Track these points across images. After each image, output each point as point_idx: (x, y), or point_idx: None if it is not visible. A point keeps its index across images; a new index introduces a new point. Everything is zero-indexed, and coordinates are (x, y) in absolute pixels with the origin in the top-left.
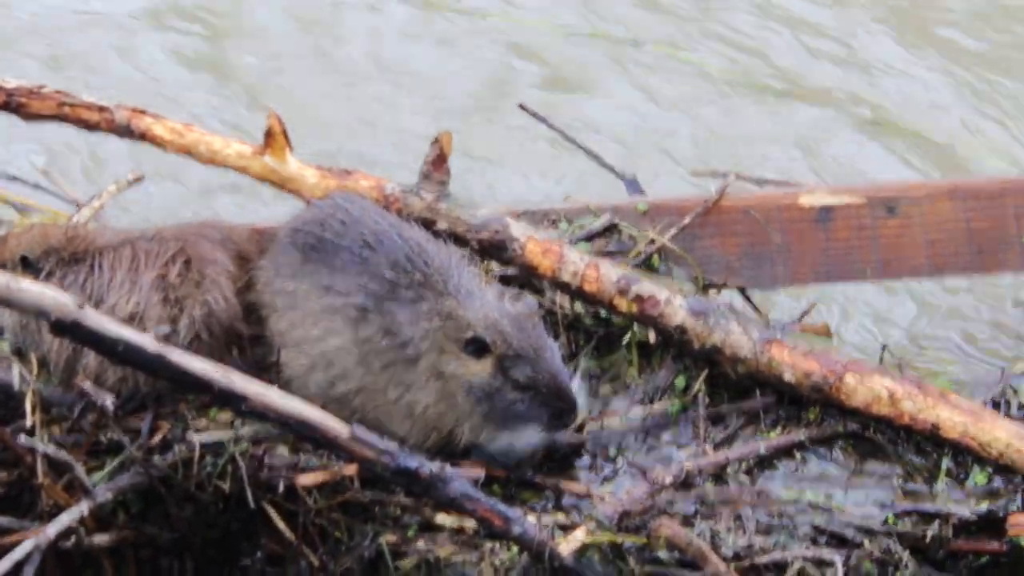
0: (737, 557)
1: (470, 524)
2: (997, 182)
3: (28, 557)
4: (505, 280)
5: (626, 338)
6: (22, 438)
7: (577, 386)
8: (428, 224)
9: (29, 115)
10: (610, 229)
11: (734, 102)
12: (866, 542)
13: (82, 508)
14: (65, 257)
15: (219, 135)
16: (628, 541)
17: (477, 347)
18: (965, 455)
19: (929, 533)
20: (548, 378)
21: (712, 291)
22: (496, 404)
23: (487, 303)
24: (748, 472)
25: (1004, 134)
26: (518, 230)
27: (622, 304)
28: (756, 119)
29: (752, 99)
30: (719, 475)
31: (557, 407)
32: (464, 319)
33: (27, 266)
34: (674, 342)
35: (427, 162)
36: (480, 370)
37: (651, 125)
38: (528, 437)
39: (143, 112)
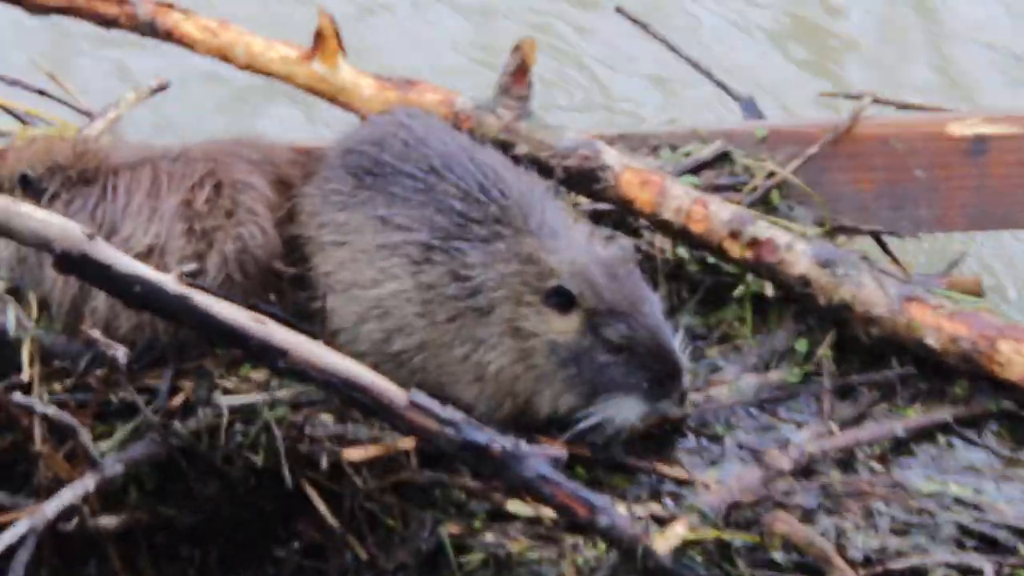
0: (867, 561)
1: (548, 513)
2: None
3: (22, 541)
4: (595, 217)
5: (738, 290)
6: (17, 396)
7: (682, 347)
8: (505, 147)
9: (35, 7)
10: (721, 158)
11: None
12: (1021, 547)
13: (87, 483)
14: (73, 177)
15: (260, 36)
16: (737, 538)
17: (562, 299)
18: None
19: None
20: (647, 337)
21: (842, 236)
22: (584, 368)
23: (574, 245)
24: (881, 458)
25: None
26: (612, 157)
27: (734, 249)
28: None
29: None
30: (847, 461)
31: (658, 372)
32: (547, 264)
33: (28, 186)
34: (795, 296)
35: (506, 73)
36: (565, 327)
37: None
38: (623, 408)
39: (170, 6)
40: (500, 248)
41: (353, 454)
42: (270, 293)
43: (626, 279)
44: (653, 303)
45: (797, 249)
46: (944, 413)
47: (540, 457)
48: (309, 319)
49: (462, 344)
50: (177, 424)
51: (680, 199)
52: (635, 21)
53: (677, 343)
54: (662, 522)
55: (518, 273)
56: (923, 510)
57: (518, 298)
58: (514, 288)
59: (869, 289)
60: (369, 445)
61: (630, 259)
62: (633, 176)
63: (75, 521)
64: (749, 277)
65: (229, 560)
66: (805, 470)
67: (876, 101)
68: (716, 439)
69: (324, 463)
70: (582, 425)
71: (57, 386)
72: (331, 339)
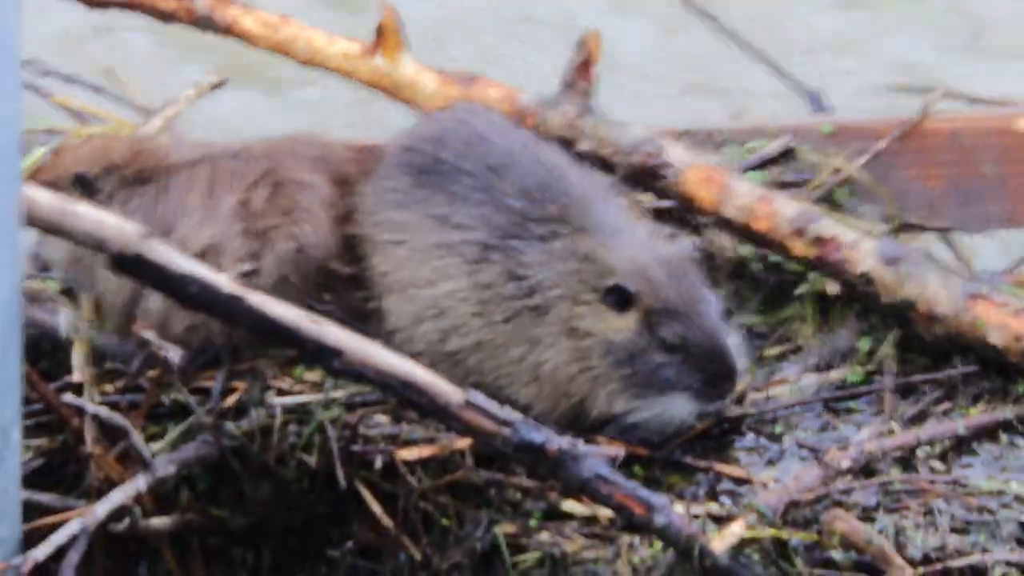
0: (927, 560)
1: (605, 513)
2: None
3: (73, 541)
4: (657, 215)
5: (801, 289)
6: (68, 396)
7: (738, 348)
8: (568, 144)
9: (94, 2)
10: (787, 154)
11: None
12: None
13: (138, 484)
14: (129, 176)
15: (321, 30)
16: (795, 537)
17: (620, 298)
18: None
19: None
20: (703, 338)
21: (909, 233)
22: (640, 368)
23: (635, 244)
24: (942, 457)
25: None
26: (676, 154)
27: (798, 247)
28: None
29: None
30: (907, 460)
31: (712, 373)
32: (605, 263)
33: (83, 186)
34: (858, 294)
35: (570, 68)
36: (622, 326)
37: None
38: (677, 408)
39: (229, 1)
40: (558, 247)
41: (408, 454)
42: (326, 293)
43: (685, 278)
44: (711, 303)
45: (863, 247)
46: (1007, 412)
47: (597, 457)
48: (365, 319)
49: (518, 344)
50: (230, 425)
51: (744, 196)
52: (706, 14)
53: (733, 344)
54: (719, 521)
55: (575, 272)
56: (983, 508)
57: (575, 297)
58: (571, 287)
59: (933, 287)
60: (424, 445)
61: (691, 258)
62: (696, 173)
63: (126, 522)
64: (812, 275)
65: (282, 562)
66: (865, 469)
67: (946, 95)
68: (775, 438)
69: (378, 463)
70: (632, 421)
71: (109, 387)
72: (387, 339)
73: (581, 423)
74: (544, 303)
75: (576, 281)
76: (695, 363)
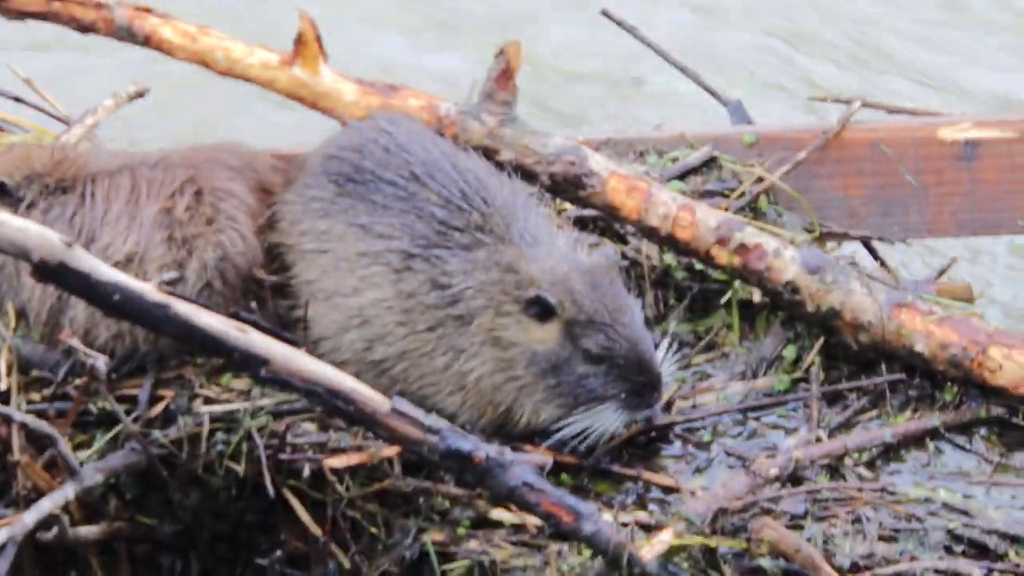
0: (855, 568)
1: (533, 521)
2: None
3: (0, 550)
4: (581, 224)
5: (725, 297)
6: None
7: (663, 356)
8: (490, 153)
9: (11, 11)
10: (709, 164)
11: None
12: (1011, 553)
13: (66, 492)
14: (50, 185)
15: (240, 41)
16: (724, 545)
17: (541, 309)
18: None
19: None
20: (626, 348)
21: (831, 242)
22: (564, 378)
23: (556, 253)
24: (870, 464)
25: None
26: (598, 163)
27: (722, 255)
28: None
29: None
30: (835, 467)
31: (637, 382)
32: (527, 273)
33: (4, 194)
34: (783, 303)
35: (490, 78)
36: (545, 336)
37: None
38: (604, 419)
39: (148, 11)
40: (480, 256)
41: (336, 462)
42: (251, 301)
43: (607, 288)
44: (634, 313)
45: (785, 255)
46: (933, 419)
47: (525, 464)
48: (290, 327)
49: (443, 353)
50: (157, 433)
51: (667, 205)
52: (621, 24)
53: (657, 354)
54: (648, 529)
55: (498, 282)
56: (912, 516)
57: (498, 307)
58: (494, 297)
59: (858, 295)
60: (352, 453)
61: (613, 267)
62: (619, 182)
63: (54, 531)
64: (737, 284)
65: (210, 570)
66: (792, 477)
67: (866, 105)
68: (703, 446)
69: (306, 471)
70: (561, 434)
71: (36, 395)
72: (313, 347)
73: (508, 431)
74: (467, 312)
75: (498, 291)
76: (620, 373)
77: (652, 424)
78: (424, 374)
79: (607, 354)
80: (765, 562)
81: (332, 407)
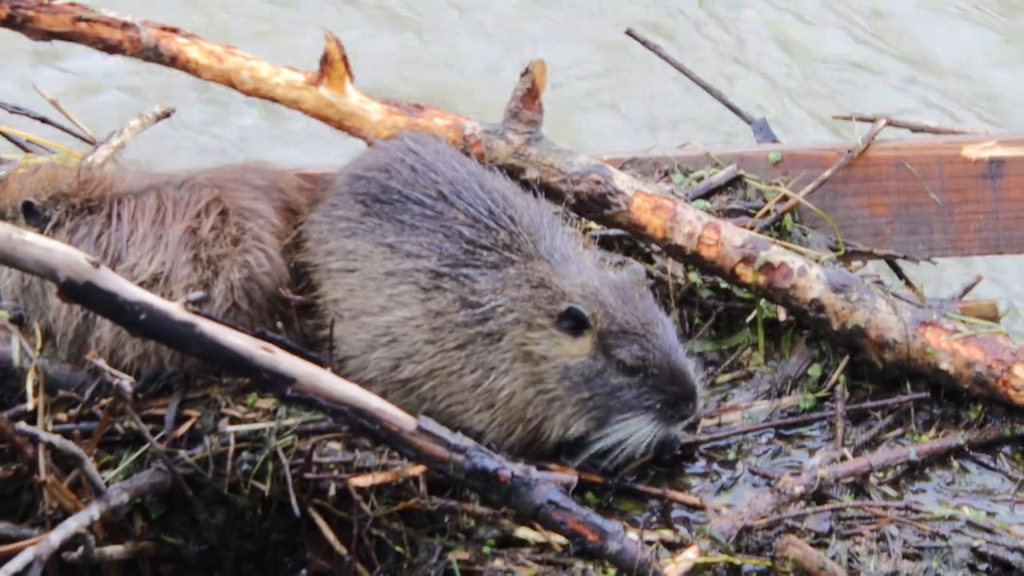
0: None
1: (558, 540)
2: None
3: (26, 570)
4: (606, 243)
5: (751, 316)
6: (21, 425)
7: (695, 369)
8: (515, 172)
9: (37, 32)
10: (734, 183)
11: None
12: None
13: (92, 512)
14: (77, 205)
15: (266, 61)
16: (748, 563)
17: (574, 321)
18: None
19: None
20: (661, 358)
21: (856, 260)
22: (597, 391)
23: (585, 270)
24: (894, 483)
25: None
26: (623, 182)
27: (747, 274)
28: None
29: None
30: (859, 486)
31: (673, 393)
32: (558, 288)
33: (31, 214)
34: (809, 321)
35: (515, 97)
36: (577, 350)
37: (783, 61)
38: (637, 432)
39: (175, 31)
40: (510, 274)
41: (361, 481)
42: (277, 321)
43: (638, 301)
44: (666, 325)
45: (810, 274)
46: (958, 438)
47: (550, 483)
48: (317, 347)
49: (472, 371)
50: (183, 453)
51: (692, 223)
52: (645, 43)
53: (689, 363)
54: (673, 547)
55: (529, 298)
56: (936, 534)
57: (529, 322)
58: (525, 312)
59: (883, 314)
60: (377, 472)
61: (642, 283)
62: (645, 201)
63: (80, 550)
64: (762, 302)
65: None
66: (817, 495)
67: (890, 124)
68: (728, 464)
69: (332, 491)
70: (597, 447)
71: (62, 415)
72: (339, 367)
73: (537, 448)
74: (498, 329)
75: (530, 307)
76: (655, 384)
77: (678, 442)
78: (453, 392)
79: (641, 365)
80: None
81: (358, 426)
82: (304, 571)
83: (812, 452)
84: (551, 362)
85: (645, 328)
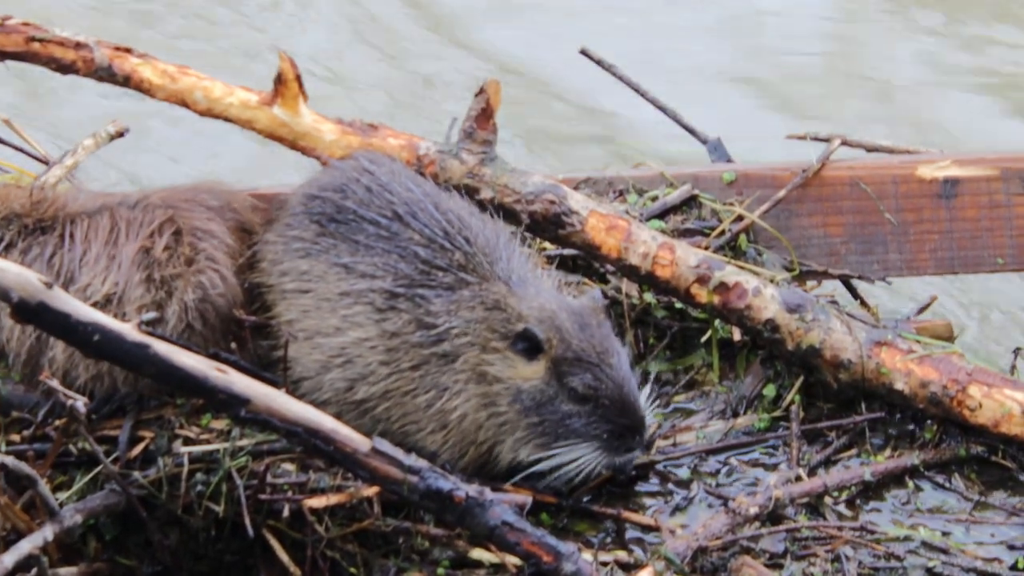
0: None
1: (513, 561)
2: None
3: None
4: (561, 263)
5: (705, 336)
6: None
7: (645, 396)
8: (470, 192)
9: None
10: (689, 202)
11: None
12: None
13: (46, 533)
14: (30, 225)
15: (219, 81)
16: None
17: (529, 344)
18: None
19: None
20: (612, 389)
21: (811, 280)
22: (547, 417)
23: (543, 292)
24: (850, 503)
25: None
26: (578, 201)
27: (701, 294)
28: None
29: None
30: (815, 506)
31: (621, 425)
32: (515, 310)
33: None
34: (764, 341)
35: (470, 117)
36: (531, 373)
37: (739, 79)
38: (580, 459)
39: (128, 51)
40: (465, 295)
41: (315, 502)
42: (231, 342)
43: (595, 329)
44: (621, 355)
45: (765, 294)
46: (913, 457)
47: (505, 504)
48: (271, 368)
49: (426, 391)
50: (137, 474)
51: (647, 243)
52: (600, 63)
53: (643, 397)
54: (627, 568)
55: (484, 319)
56: (891, 554)
57: (484, 344)
58: (480, 334)
59: (838, 334)
60: (331, 493)
61: (600, 309)
62: (599, 221)
63: (34, 572)
64: (717, 323)
65: None
66: (772, 515)
67: (845, 143)
68: (683, 485)
69: (286, 512)
70: (539, 467)
71: (15, 436)
72: (294, 388)
73: (491, 470)
74: (453, 350)
75: (485, 328)
76: (604, 414)
77: (632, 464)
78: (407, 413)
79: (592, 394)
80: None
81: (312, 447)
82: None
83: (767, 472)
84: (503, 384)
85: (600, 358)
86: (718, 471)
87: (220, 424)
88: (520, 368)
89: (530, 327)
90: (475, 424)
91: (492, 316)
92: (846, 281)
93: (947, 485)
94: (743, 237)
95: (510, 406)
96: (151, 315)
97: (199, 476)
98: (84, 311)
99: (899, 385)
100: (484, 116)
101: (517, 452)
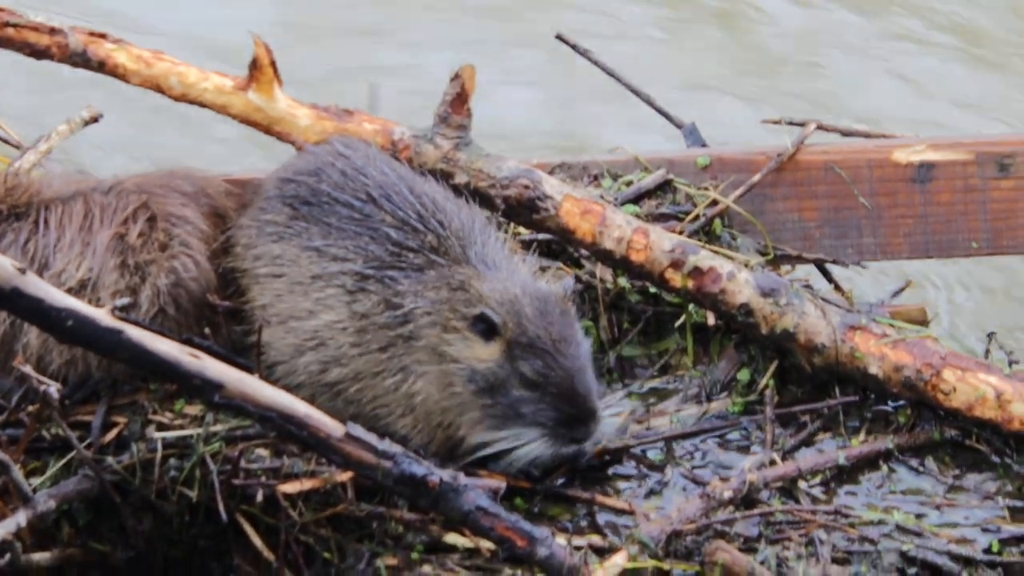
0: None
1: (487, 545)
2: None
3: None
4: (536, 247)
5: (679, 320)
6: None
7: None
8: (444, 177)
9: None
10: (664, 187)
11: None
12: (964, 574)
13: (19, 519)
14: (3, 211)
15: (194, 66)
16: (678, 568)
17: (485, 326)
18: None
19: None
20: (562, 377)
21: (785, 265)
22: (498, 399)
23: (512, 278)
24: (824, 486)
25: None
26: (552, 186)
27: (676, 279)
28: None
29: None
30: (788, 490)
31: (568, 414)
32: (477, 291)
33: None
34: (738, 326)
35: (444, 102)
36: (487, 355)
37: (711, 63)
38: (526, 446)
39: (103, 36)
40: (432, 276)
41: (289, 487)
42: (205, 327)
43: (555, 317)
44: (580, 345)
45: (740, 278)
46: (887, 441)
47: (479, 489)
48: (245, 353)
49: (393, 374)
50: (110, 459)
51: (621, 228)
52: (575, 47)
53: (594, 388)
54: (602, 552)
55: (447, 300)
56: (865, 538)
57: (445, 324)
58: (442, 315)
59: (812, 318)
60: (305, 478)
61: (568, 298)
62: (574, 206)
63: (7, 557)
64: (691, 307)
65: None
66: (746, 499)
67: (820, 128)
68: (657, 469)
69: (260, 497)
70: (482, 453)
71: None
72: (268, 372)
73: (461, 455)
74: (415, 330)
75: (447, 309)
76: (552, 402)
77: (607, 448)
78: (377, 395)
79: (542, 381)
80: None
81: (286, 432)
82: None
83: (742, 456)
84: (459, 364)
85: (555, 345)
86: (692, 455)
87: (194, 409)
88: (477, 349)
89: (486, 310)
90: (436, 405)
91: (455, 297)
92: (820, 266)
93: (921, 469)
94: (717, 222)
95: (465, 386)
96: (124, 300)
97: (173, 461)
98: (57, 296)
99: (873, 369)
100: (459, 101)
101: (471, 432)
